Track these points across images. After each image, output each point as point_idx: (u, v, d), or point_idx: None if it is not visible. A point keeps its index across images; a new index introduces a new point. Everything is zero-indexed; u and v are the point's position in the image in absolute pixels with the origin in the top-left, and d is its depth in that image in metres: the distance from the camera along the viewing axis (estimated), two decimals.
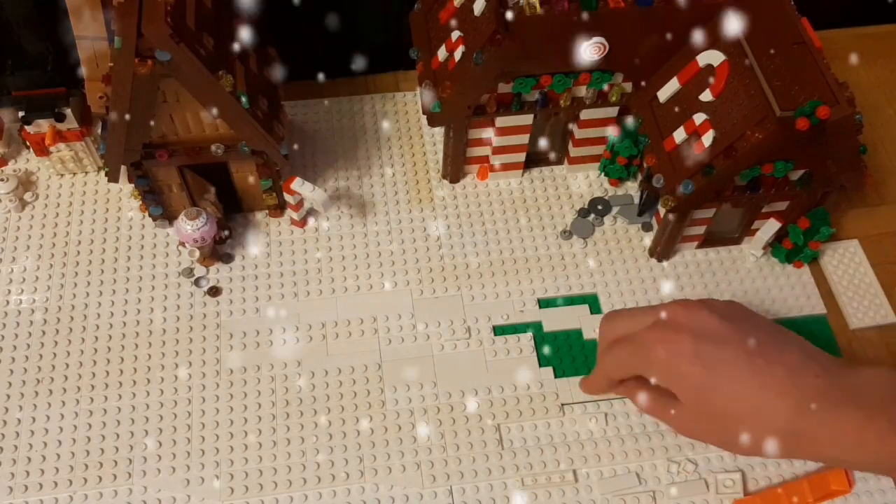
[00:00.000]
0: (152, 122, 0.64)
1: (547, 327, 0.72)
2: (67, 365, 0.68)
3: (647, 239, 0.77)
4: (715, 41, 0.66)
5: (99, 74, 0.65)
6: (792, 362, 0.55)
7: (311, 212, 0.78)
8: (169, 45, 0.57)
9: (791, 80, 0.62)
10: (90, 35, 0.64)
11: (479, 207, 0.79)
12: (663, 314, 0.58)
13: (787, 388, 0.54)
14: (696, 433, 0.59)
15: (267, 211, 0.77)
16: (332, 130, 0.84)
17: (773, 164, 0.64)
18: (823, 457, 0.56)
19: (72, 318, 0.71)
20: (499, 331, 0.71)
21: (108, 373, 0.68)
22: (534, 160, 0.81)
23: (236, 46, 0.68)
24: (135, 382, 0.68)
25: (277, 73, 0.76)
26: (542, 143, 0.79)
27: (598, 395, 0.67)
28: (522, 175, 0.81)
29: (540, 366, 0.69)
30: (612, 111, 0.74)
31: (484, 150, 0.78)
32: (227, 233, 0.75)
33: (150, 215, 0.75)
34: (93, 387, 0.67)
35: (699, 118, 0.66)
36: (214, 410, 0.66)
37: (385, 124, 0.85)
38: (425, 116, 0.72)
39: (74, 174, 0.80)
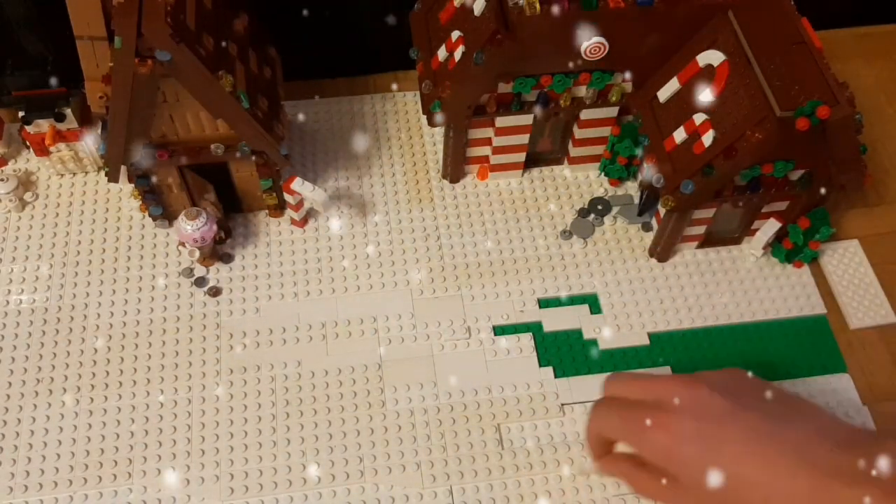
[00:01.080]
0: (152, 123, 0.64)
1: (547, 327, 0.72)
2: (67, 365, 0.68)
3: (648, 239, 0.77)
4: (715, 41, 0.66)
5: (99, 74, 0.65)
6: (801, 439, 0.50)
7: (312, 212, 0.78)
8: (169, 45, 0.57)
9: (791, 80, 0.62)
10: (90, 35, 0.64)
11: (479, 207, 0.79)
12: (661, 392, 0.55)
13: (798, 469, 0.49)
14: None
15: (267, 211, 0.77)
16: (332, 130, 0.84)
17: (773, 164, 0.64)
18: None
19: (72, 318, 0.71)
20: (499, 331, 0.71)
21: (108, 373, 0.68)
22: (534, 160, 0.81)
23: (236, 46, 0.68)
24: (135, 382, 0.68)
25: (278, 73, 0.76)
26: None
27: (602, 466, 0.60)
28: (522, 175, 0.81)
29: (540, 366, 0.69)
30: (613, 111, 0.74)
31: (484, 150, 0.78)
32: (222, 234, 0.75)
33: (150, 215, 0.75)
34: (93, 387, 0.67)
35: (699, 118, 0.66)
36: (214, 410, 0.66)
37: (385, 124, 0.85)
38: (425, 116, 0.72)
39: (74, 174, 0.80)
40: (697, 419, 0.52)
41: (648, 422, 0.53)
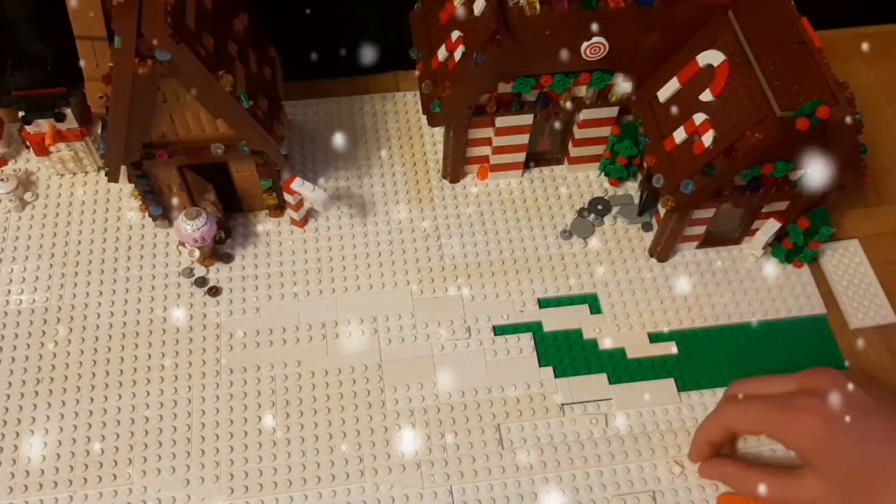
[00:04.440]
0: (152, 122, 0.64)
1: (547, 327, 0.72)
2: (67, 365, 0.68)
3: (648, 239, 0.77)
4: (715, 41, 0.66)
5: (99, 74, 0.65)
6: None
7: (311, 212, 0.78)
8: (169, 45, 0.57)
9: (791, 80, 0.62)
10: (90, 35, 0.64)
11: (479, 207, 0.79)
12: (806, 384, 0.56)
13: None
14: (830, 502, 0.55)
15: (267, 211, 0.77)
16: (332, 130, 0.84)
17: (773, 163, 0.64)
18: None
19: (72, 318, 0.71)
20: (499, 331, 0.71)
21: (108, 373, 0.68)
22: (534, 160, 0.81)
23: (236, 46, 0.68)
24: (135, 382, 0.68)
25: (278, 73, 0.76)
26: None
27: (704, 469, 0.63)
28: (522, 175, 0.81)
29: (540, 366, 0.69)
30: (613, 111, 0.74)
31: (484, 150, 0.78)
32: (222, 234, 0.75)
33: (150, 215, 0.75)
34: (93, 387, 0.67)
35: (699, 118, 0.66)
36: (214, 410, 0.66)
37: (385, 124, 0.85)
38: (425, 116, 0.72)
39: (74, 174, 0.80)
40: (851, 409, 0.54)
41: (801, 403, 0.55)
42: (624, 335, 0.71)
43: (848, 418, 0.54)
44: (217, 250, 0.75)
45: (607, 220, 0.78)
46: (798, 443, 0.56)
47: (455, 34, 0.69)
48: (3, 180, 0.76)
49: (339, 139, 0.83)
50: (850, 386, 0.56)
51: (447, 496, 0.63)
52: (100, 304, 0.72)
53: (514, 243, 0.77)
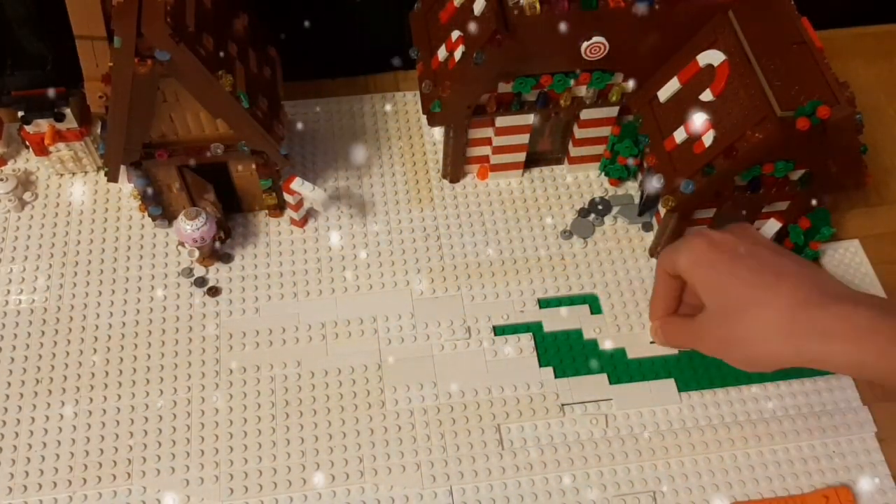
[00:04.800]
0: (151, 122, 0.64)
1: (547, 327, 0.72)
2: (67, 365, 0.68)
3: (648, 239, 0.77)
4: (715, 41, 0.66)
5: (98, 74, 0.65)
6: (807, 263, 0.60)
7: (311, 212, 0.78)
8: (168, 45, 0.57)
9: (791, 80, 0.62)
10: (90, 35, 0.63)
11: (479, 207, 0.79)
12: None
13: (802, 279, 0.57)
14: (712, 338, 0.61)
15: (267, 211, 0.77)
16: (332, 130, 0.84)
17: (773, 163, 0.64)
18: (831, 353, 0.55)
19: (71, 319, 0.71)
20: (499, 331, 0.71)
21: (107, 373, 0.68)
22: (534, 160, 0.81)
23: (236, 46, 0.68)
24: (134, 382, 0.68)
25: (278, 73, 0.76)
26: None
27: (663, 331, 0.68)
28: (522, 175, 0.81)
29: (540, 366, 0.69)
30: (613, 111, 0.74)
31: (484, 150, 0.78)
32: (222, 234, 0.75)
33: (149, 215, 0.75)
34: (92, 387, 0.67)
35: (699, 118, 0.66)
36: (214, 410, 0.66)
37: (385, 124, 0.85)
38: (425, 116, 0.72)
39: (74, 174, 0.80)
40: (735, 236, 0.61)
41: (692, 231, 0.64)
42: (624, 335, 0.71)
43: (724, 243, 0.60)
44: (217, 250, 0.75)
45: (607, 220, 0.78)
46: (683, 263, 0.61)
47: (455, 34, 0.69)
48: (2, 180, 0.76)
49: (341, 139, 0.83)
50: (749, 230, 0.63)
51: (447, 496, 0.63)
52: (99, 304, 0.72)
53: (514, 243, 0.77)
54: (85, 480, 0.63)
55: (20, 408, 0.66)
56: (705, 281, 0.60)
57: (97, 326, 0.70)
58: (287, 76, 0.78)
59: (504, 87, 0.70)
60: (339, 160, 0.82)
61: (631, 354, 0.70)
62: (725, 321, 0.59)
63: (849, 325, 0.53)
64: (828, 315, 0.54)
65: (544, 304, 0.73)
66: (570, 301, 0.73)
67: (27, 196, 0.78)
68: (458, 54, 0.68)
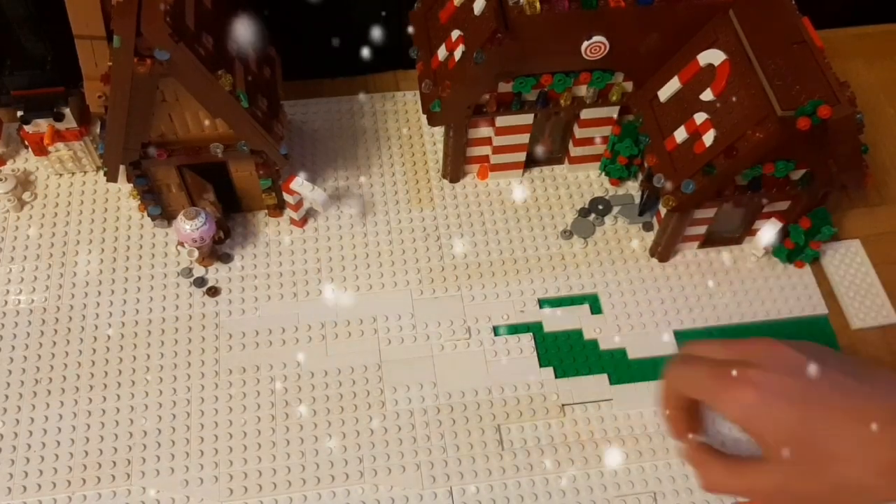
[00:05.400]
0: (151, 122, 0.64)
1: (547, 327, 0.71)
2: (67, 365, 0.68)
3: (648, 239, 0.77)
4: (715, 40, 0.66)
5: (98, 74, 0.64)
6: (889, 390, 0.50)
7: (311, 212, 0.77)
8: (168, 45, 0.57)
9: (792, 80, 0.61)
10: (90, 34, 0.63)
11: (479, 207, 0.79)
12: (745, 352, 0.53)
13: (892, 416, 0.48)
14: (790, 487, 0.51)
15: (266, 211, 0.77)
16: (332, 130, 0.84)
17: (774, 163, 0.64)
18: None
19: (70, 319, 0.71)
20: (499, 331, 0.71)
21: (107, 373, 0.68)
22: (534, 160, 0.81)
23: (236, 46, 0.68)
24: (134, 382, 0.68)
25: (277, 73, 0.76)
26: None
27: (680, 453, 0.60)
28: (522, 175, 0.81)
29: (540, 366, 0.69)
30: (613, 110, 0.74)
31: (484, 150, 0.78)
32: (221, 234, 0.75)
33: (148, 215, 0.75)
34: (92, 387, 0.67)
35: (700, 117, 0.65)
36: (214, 411, 0.66)
37: (385, 124, 0.85)
38: (425, 116, 0.72)
39: (73, 174, 0.80)
40: (785, 376, 0.50)
41: (735, 373, 0.51)
42: (625, 335, 0.71)
43: (785, 384, 0.50)
44: (216, 250, 0.75)
45: (608, 219, 0.78)
46: (733, 415, 0.52)
47: (455, 33, 0.69)
48: (1, 180, 0.76)
49: (341, 139, 0.83)
50: (792, 351, 0.52)
51: (447, 496, 0.63)
52: (98, 304, 0.72)
53: (514, 243, 0.76)
54: (84, 480, 0.63)
55: (20, 408, 0.66)
56: (774, 430, 0.51)
57: (96, 326, 0.70)
58: (287, 76, 0.78)
59: (504, 87, 0.70)
60: (339, 160, 0.82)
61: (631, 354, 0.70)
62: (813, 473, 0.50)
63: None
64: None
65: (544, 304, 0.73)
66: (571, 301, 0.73)
67: (26, 196, 0.78)
68: (458, 54, 0.68)
